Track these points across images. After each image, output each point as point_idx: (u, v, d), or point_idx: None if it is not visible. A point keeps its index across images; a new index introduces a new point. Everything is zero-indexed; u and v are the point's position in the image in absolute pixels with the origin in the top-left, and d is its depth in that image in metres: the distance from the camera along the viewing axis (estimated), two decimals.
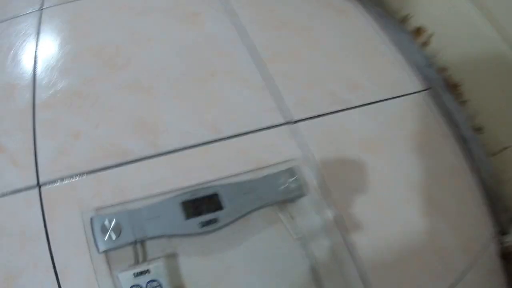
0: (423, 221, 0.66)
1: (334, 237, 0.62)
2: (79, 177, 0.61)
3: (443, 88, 0.80)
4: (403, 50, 0.83)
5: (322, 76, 0.78)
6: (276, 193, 0.61)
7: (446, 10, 0.77)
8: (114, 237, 0.54)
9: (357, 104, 0.75)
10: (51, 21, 0.79)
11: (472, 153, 0.74)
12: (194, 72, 0.74)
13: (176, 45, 0.77)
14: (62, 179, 0.61)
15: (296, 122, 0.71)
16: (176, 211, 0.57)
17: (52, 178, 0.61)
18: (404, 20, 0.86)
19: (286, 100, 0.73)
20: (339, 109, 0.74)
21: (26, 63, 0.73)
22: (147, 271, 0.53)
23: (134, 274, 0.53)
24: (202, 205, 0.58)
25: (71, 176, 0.61)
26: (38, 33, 0.77)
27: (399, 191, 0.68)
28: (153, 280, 0.53)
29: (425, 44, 0.83)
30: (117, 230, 0.54)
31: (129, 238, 0.54)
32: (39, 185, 0.60)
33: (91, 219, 0.56)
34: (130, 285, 0.53)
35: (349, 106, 0.74)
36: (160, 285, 0.53)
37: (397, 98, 0.77)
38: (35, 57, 0.74)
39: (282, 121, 0.71)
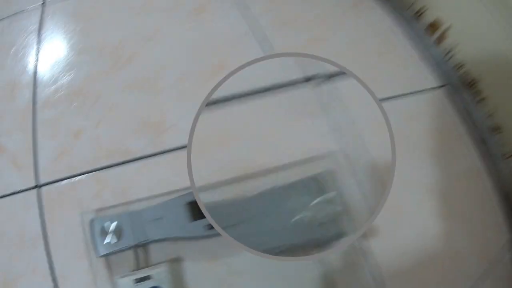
0: (438, 225, 0.64)
1: None
2: (79, 177, 0.61)
3: (460, 85, 0.77)
4: (418, 44, 0.81)
5: None
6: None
7: (464, 1, 0.74)
8: (114, 240, 0.52)
9: None
10: (53, 17, 0.78)
11: (489, 155, 0.71)
12: (200, 69, 0.72)
13: (181, 41, 0.75)
14: (62, 179, 0.60)
15: None
16: (180, 213, 0.55)
17: (52, 178, 0.60)
18: (419, 13, 0.83)
19: None
20: None
21: (27, 61, 0.72)
22: (148, 277, 0.51)
23: (134, 280, 0.50)
24: None
25: (71, 176, 0.61)
26: (39, 30, 0.76)
27: (414, 193, 0.65)
28: (155, 287, 0.51)
29: (441, 38, 0.80)
30: (118, 233, 0.53)
31: (130, 241, 0.53)
32: (39, 186, 0.60)
33: (91, 221, 0.55)
34: None
35: None
36: None
37: (411, 95, 0.74)
38: (36, 55, 0.73)
39: None
